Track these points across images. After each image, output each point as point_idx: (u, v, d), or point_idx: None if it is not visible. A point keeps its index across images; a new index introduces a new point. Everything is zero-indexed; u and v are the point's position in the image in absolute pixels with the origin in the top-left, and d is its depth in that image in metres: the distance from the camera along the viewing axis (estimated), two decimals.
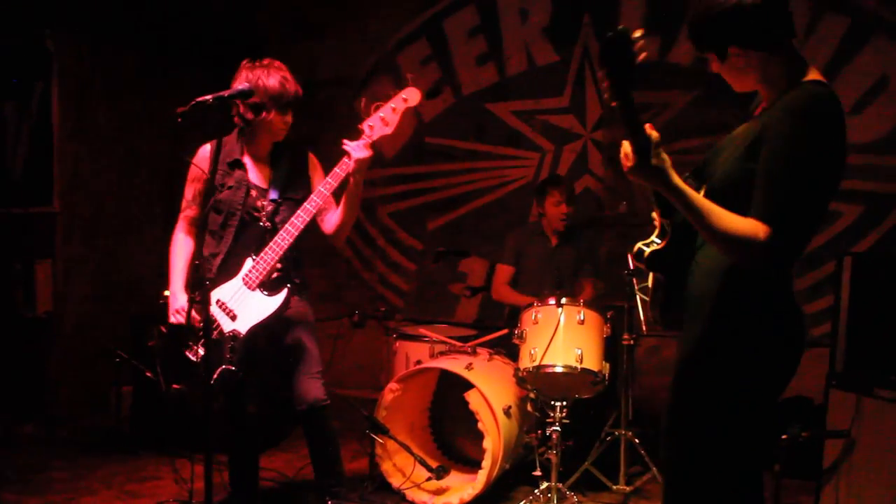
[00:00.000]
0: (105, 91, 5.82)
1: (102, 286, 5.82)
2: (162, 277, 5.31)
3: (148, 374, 4.70)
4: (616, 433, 4.09)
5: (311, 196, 3.25)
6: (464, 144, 6.06)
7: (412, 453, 3.83)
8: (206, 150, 3.38)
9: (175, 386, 4.10)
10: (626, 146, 1.92)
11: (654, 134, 1.88)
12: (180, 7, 6.05)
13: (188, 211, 3.44)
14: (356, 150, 3.23)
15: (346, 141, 3.26)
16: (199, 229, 3.14)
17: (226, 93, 2.81)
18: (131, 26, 5.86)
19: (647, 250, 2.16)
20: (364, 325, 4.46)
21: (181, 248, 3.43)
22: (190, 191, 3.43)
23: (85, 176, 5.74)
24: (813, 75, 1.99)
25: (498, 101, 5.93)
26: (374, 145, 3.27)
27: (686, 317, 2.13)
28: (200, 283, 2.82)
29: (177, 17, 6.05)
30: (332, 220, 3.44)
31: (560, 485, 3.72)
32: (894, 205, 4.75)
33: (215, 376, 3.04)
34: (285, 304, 3.26)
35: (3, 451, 4.79)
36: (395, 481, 3.96)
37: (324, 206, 3.34)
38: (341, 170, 3.24)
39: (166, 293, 5.18)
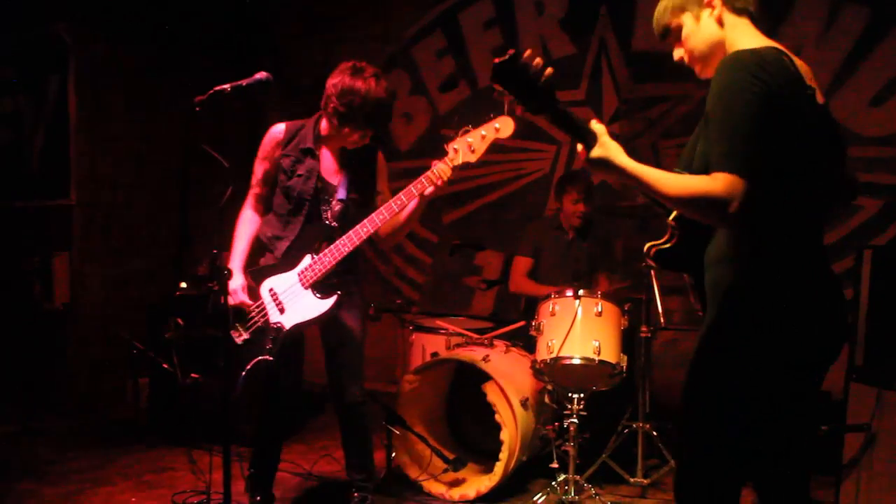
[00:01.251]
0: (120, 83, 5.84)
1: (119, 278, 5.85)
2: (178, 270, 5.34)
3: (165, 366, 4.73)
4: (633, 426, 4.07)
5: (381, 209, 3.14)
6: None
7: (429, 445, 3.83)
8: (279, 129, 3.35)
9: (193, 375, 4.12)
10: (578, 145, 2.01)
11: (598, 127, 1.97)
12: (196, 1, 6.06)
13: (256, 189, 3.42)
14: (438, 172, 3.10)
15: (434, 163, 3.12)
16: (218, 221, 3.08)
17: (244, 81, 2.81)
18: (146, 19, 5.87)
19: (654, 248, 2.18)
20: (380, 318, 4.46)
21: (246, 225, 3.39)
22: (260, 169, 3.39)
23: (101, 168, 5.76)
24: (770, 43, 2.00)
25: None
26: (455, 170, 3.13)
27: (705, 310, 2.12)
28: (219, 273, 2.81)
29: (192, 10, 6.06)
30: (388, 225, 3.30)
31: (577, 477, 3.71)
32: None
33: (249, 366, 3.05)
34: (332, 310, 3.22)
35: (22, 443, 4.82)
36: (413, 473, 3.96)
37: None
38: (416, 189, 3.11)
39: (183, 284, 5.24)
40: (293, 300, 3.20)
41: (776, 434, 2.06)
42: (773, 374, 1.96)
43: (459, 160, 3.09)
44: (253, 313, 3.21)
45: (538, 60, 1.90)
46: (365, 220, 3.15)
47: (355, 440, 3.54)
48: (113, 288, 5.80)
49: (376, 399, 3.87)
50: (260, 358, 3.08)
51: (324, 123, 3.33)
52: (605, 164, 1.96)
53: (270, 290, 3.22)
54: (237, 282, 3.22)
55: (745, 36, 2.05)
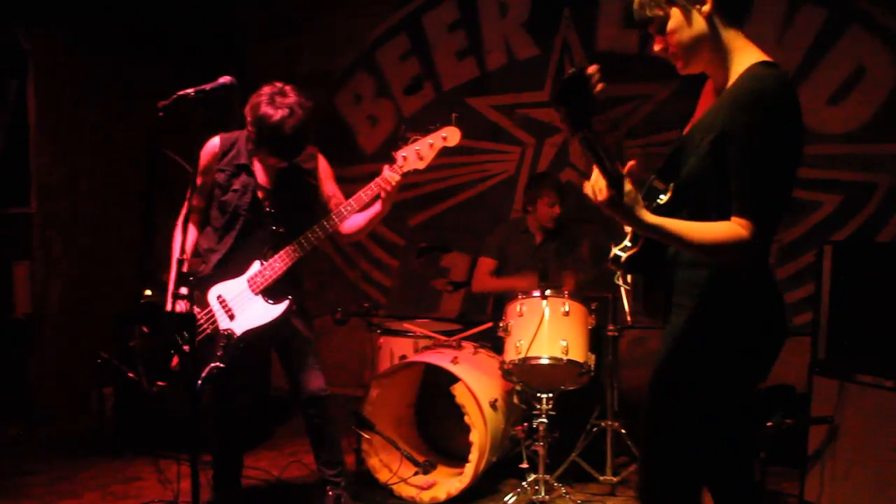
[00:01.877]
0: (81, 89, 5.76)
1: (82, 286, 5.76)
2: (142, 276, 5.29)
3: (130, 375, 4.66)
4: (602, 424, 4.10)
5: (331, 215, 3.22)
6: None
7: (399, 448, 3.82)
8: (214, 143, 3.35)
9: (158, 383, 4.07)
10: (595, 180, 1.89)
11: (634, 168, 1.89)
12: (156, 4, 6.00)
13: (193, 201, 3.34)
14: (385, 179, 3.19)
15: (383, 168, 3.20)
16: (184, 224, 3.15)
17: (208, 86, 2.78)
18: (107, 23, 5.80)
19: (624, 255, 2.14)
20: (347, 322, 4.43)
21: (184, 235, 3.29)
22: (198, 180, 3.35)
23: (62, 175, 5.67)
24: (760, 56, 1.98)
25: (478, 96, 5.93)
26: (403, 177, 3.22)
27: (671, 309, 2.14)
28: (185, 279, 2.79)
29: (153, 14, 5.99)
30: (350, 225, 3.39)
31: (547, 476, 3.72)
32: (873, 194, 4.80)
33: (204, 374, 3.02)
34: (284, 315, 3.23)
35: None
36: (383, 476, 3.95)
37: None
38: (366, 196, 3.20)
39: (147, 292, 5.17)
40: (243, 306, 3.20)
41: (738, 428, 2.11)
42: (745, 368, 2.02)
43: (407, 168, 3.19)
44: (202, 321, 3.19)
45: (597, 77, 1.83)
46: (315, 227, 3.19)
47: (323, 435, 3.53)
48: (75, 296, 5.71)
49: (344, 404, 3.86)
50: (212, 365, 3.06)
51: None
52: (629, 214, 1.88)
53: (219, 296, 3.22)
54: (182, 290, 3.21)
55: (738, 40, 2.02)
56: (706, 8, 1.99)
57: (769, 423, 3.49)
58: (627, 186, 1.85)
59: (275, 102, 3.14)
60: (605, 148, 1.81)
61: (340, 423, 3.59)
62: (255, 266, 3.22)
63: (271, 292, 3.22)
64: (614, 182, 1.82)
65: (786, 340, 2.03)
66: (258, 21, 6.61)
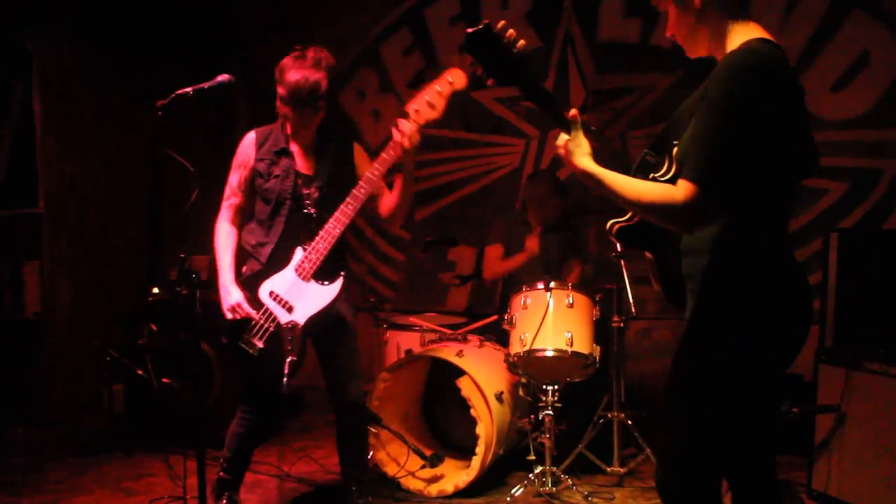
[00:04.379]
0: (86, 90, 5.79)
1: (91, 285, 5.80)
2: (149, 274, 5.31)
3: (139, 372, 4.70)
4: (609, 416, 4.10)
5: (360, 183, 3.17)
6: (449, 133, 6.05)
7: (406, 442, 3.84)
8: (252, 136, 3.35)
9: (165, 380, 4.09)
10: (559, 139, 2.00)
11: (576, 118, 1.97)
12: (161, 5, 6.02)
13: (233, 199, 3.36)
14: (403, 133, 3.11)
15: (398, 121, 3.13)
16: (184, 225, 3.10)
17: (206, 84, 2.79)
18: (111, 24, 5.82)
19: (616, 225, 2.17)
20: (355, 316, 4.44)
21: (227, 238, 3.33)
22: (235, 177, 3.35)
23: (69, 175, 5.71)
24: (760, 34, 1.96)
25: (482, 89, 5.92)
26: (421, 129, 3.13)
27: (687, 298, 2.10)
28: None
29: (157, 14, 6.01)
30: (387, 204, 3.37)
31: (554, 468, 3.73)
32: (879, 180, 4.78)
33: (287, 370, 3.03)
34: (342, 291, 3.22)
35: None
36: (390, 470, 3.97)
37: (375, 192, 3.29)
38: (388, 155, 3.14)
39: (155, 290, 5.21)
40: (299, 296, 3.16)
41: (757, 419, 2.08)
42: (759, 358, 1.97)
43: (423, 119, 3.11)
44: (261, 321, 3.14)
45: (511, 31, 1.90)
46: (348, 198, 3.15)
47: (357, 440, 3.52)
48: (85, 296, 5.75)
49: None
50: (289, 360, 3.05)
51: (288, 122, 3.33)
52: (570, 157, 1.99)
53: (271, 293, 3.17)
54: (236, 296, 3.17)
55: (744, 30, 2.00)
56: (697, 2, 2.01)
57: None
58: (574, 132, 1.96)
59: (294, 57, 3.18)
60: (538, 86, 1.94)
61: (368, 421, 3.61)
62: (298, 253, 3.19)
63: (322, 274, 3.19)
64: (558, 119, 1.94)
65: (809, 326, 1.99)
66: (262, 19, 6.62)
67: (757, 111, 1.83)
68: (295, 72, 3.13)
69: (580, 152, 1.98)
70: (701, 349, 2.01)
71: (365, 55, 6.32)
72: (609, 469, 4.07)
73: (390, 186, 3.37)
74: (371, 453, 3.96)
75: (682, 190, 1.84)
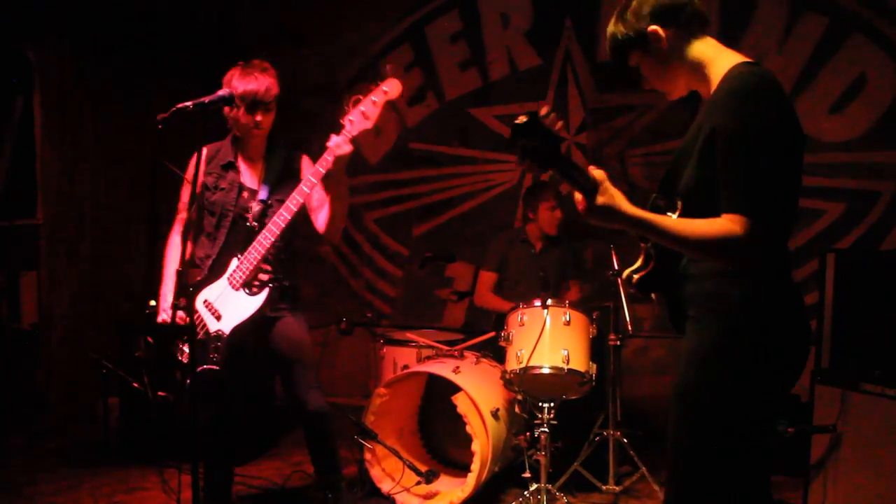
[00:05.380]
0: (87, 102, 5.81)
1: (88, 297, 5.80)
2: (148, 287, 5.30)
3: (135, 385, 4.69)
4: (605, 434, 4.10)
5: (292, 195, 3.22)
6: (448, 150, 6.08)
7: (401, 458, 3.82)
8: (202, 153, 3.38)
9: (160, 393, 4.07)
10: (577, 194, 1.93)
11: (598, 174, 1.88)
12: (162, 17, 6.05)
13: (182, 213, 3.44)
14: (336, 145, 3.18)
15: (331, 136, 3.21)
16: (184, 234, 3.24)
17: (206, 98, 2.81)
18: (112, 36, 5.85)
19: (636, 277, 2.16)
20: (352, 332, 4.45)
21: (174, 250, 3.43)
22: (185, 193, 3.43)
23: (68, 187, 5.72)
24: (737, 57, 1.99)
25: (481, 106, 5.96)
26: (354, 140, 3.21)
27: (686, 323, 2.09)
28: (185, 290, 2.81)
29: (158, 27, 6.04)
30: (321, 219, 3.41)
31: (550, 486, 3.72)
32: (875, 202, 4.79)
33: (194, 375, 3.01)
34: (267, 303, 3.25)
35: None
36: (385, 486, 3.96)
37: (314, 205, 3.37)
38: (322, 167, 3.20)
39: (152, 303, 5.19)
40: (227, 304, 3.22)
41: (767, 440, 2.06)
42: (776, 380, 1.97)
43: (356, 130, 3.21)
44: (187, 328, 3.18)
45: (553, 116, 1.84)
46: (280, 209, 3.21)
47: (326, 448, 3.53)
48: (81, 307, 5.75)
49: (348, 414, 3.87)
50: (204, 367, 3.08)
51: (237, 135, 3.41)
52: (611, 212, 1.88)
53: (205, 301, 3.24)
54: (169, 301, 3.25)
55: (710, 51, 2.04)
56: (664, 42, 2.05)
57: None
58: (602, 187, 1.87)
59: (237, 67, 3.31)
60: (575, 165, 1.86)
61: (344, 432, 3.60)
62: (233, 263, 3.25)
63: (251, 285, 3.23)
64: (588, 192, 1.86)
65: (804, 352, 1.99)
66: (263, 33, 6.67)
67: (774, 132, 1.84)
68: (247, 77, 3.25)
69: (622, 200, 1.89)
70: (716, 373, 1.97)
71: (366, 69, 6.35)
72: (604, 487, 4.06)
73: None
74: (366, 469, 3.96)
75: (737, 223, 1.81)
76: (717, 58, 2.02)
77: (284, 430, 5.31)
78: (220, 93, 2.90)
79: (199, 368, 3.06)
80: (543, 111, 1.82)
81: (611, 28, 2.15)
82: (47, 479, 4.45)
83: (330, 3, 6.49)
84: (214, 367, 3.10)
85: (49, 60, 5.61)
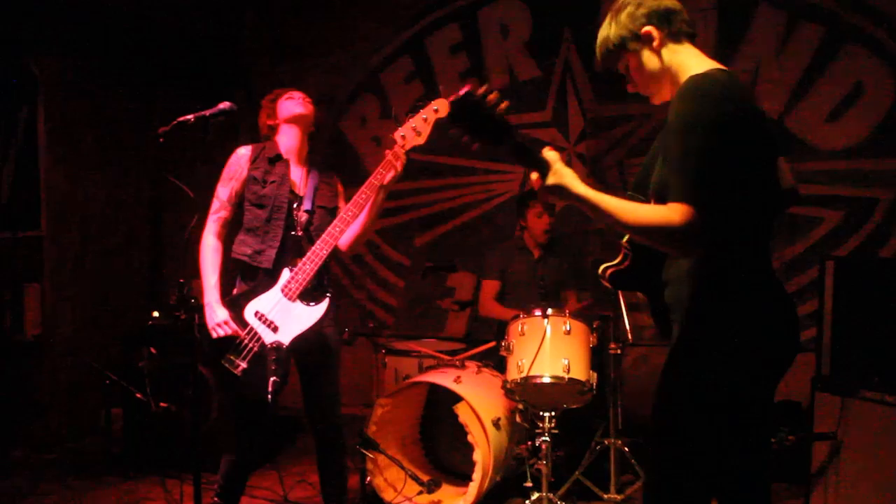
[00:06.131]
0: (90, 115, 5.86)
1: (91, 308, 5.83)
2: (150, 299, 5.32)
3: (138, 396, 4.71)
4: (606, 442, 4.11)
5: (348, 206, 3.23)
6: (449, 160, 6.11)
7: (403, 468, 3.84)
8: (245, 148, 3.41)
9: (162, 404, 4.10)
10: (532, 173, 2.03)
11: (551, 155, 1.99)
12: (165, 31, 6.09)
13: (222, 212, 3.35)
14: (389, 161, 3.23)
15: (388, 152, 3.25)
16: (184, 250, 3.20)
17: (207, 112, 2.84)
18: (115, 49, 5.89)
19: (609, 270, 2.22)
20: (354, 342, 4.47)
21: (214, 254, 3.30)
22: (225, 191, 3.35)
23: (72, 199, 5.76)
24: (716, 66, 2.04)
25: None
26: (408, 154, 3.27)
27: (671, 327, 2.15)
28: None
29: (161, 40, 6.09)
30: (351, 231, 3.39)
31: (551, 495, 3.73)
32: (874, 209, 4.81)
33: (270, 389, 3.02)
34: (328, 312, 3.25)
35: None
36: (388, 496, 3.97)
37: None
38: (376, 180, 3.23)
39: (155, 314, 5.23)
40: (284, 316, 3.17)
41: (742, 445, 2.09)
42: (738, 384, 2.00)
43: (408, 146, 3.25)
44: (245, 340, 3.14)
45: (493, 95, 1.92)
46: (336, 220, 3.21)
47: (337, 462, 3.52)
48: (85, 318, 5.78)
49: (351, 423, 3.88)
50: (273, 380, 3.04)
51: (279, 139, 3.46)
52: (560, 191, 1.99)
53: (256, 313, 3.19)
54: (221, 315, 3.16)
55: (691, 59, 2.10)
56: (656, 43, 2.11)
57: (772, 440, 3.49)
58: (554, 168, 1.97)
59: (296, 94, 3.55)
60: (524, 147, 1.96)
61: (346, 442, 3.61)
62: (285, 274, 3.22)
63: (308, 295, 3.22)
64: (540, 172, 1.97)
65: (794, 351, 2.02)
66: (265, 47, 6.72)
67: (718, 127, 1.87)
68: (299, 101, 3.45)
69: (571, 179, 1.98)
70: (684, 373, 2.03)
71: (366, 82, 6.40)
72: (606, 496, 4.07)
73: None
74: (368, 479, 3.97)
75: (676, 211, 1.86)
76: (693, 65, 2.07)
77: (287, 441, 5.33)
78: (222, 105, 2.93)
79: (270, 382, 3.03)
80: (482, 90, 1.90)
81: (603, 31, 2.20)
82: (51, 490, 4.47)
83: (331, 15, 6.53)
84: (277, 379, 3.07)
85: (53, 74, 5.66)
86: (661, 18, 2.11)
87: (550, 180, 1.98)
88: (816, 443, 3.57)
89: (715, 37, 5.15)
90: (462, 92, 1.89)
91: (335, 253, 3.32)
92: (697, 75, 1.98)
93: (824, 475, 3.51)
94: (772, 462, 3.29)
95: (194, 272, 3.34)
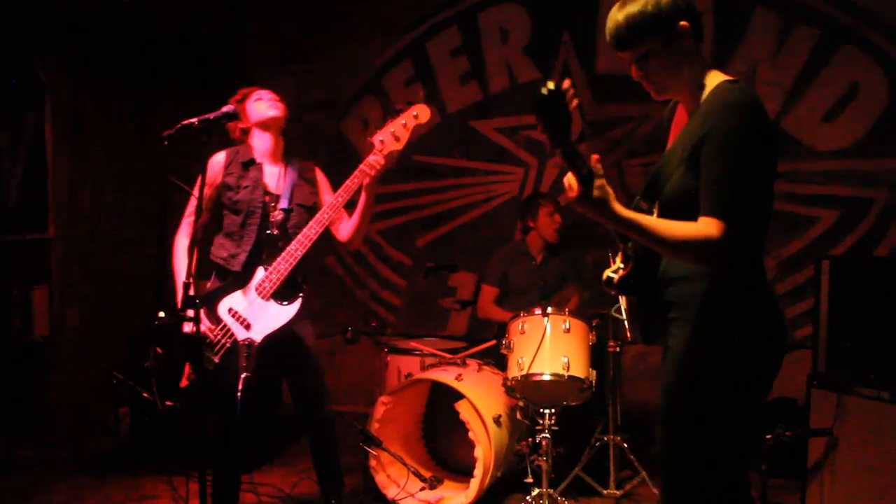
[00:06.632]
0: (97, 117, 5.90)
1: (98, 310, 5.87)
2: (157, 298, 5.34)
3: (145, 395, 4.76)
4: (605, 439, 4.16)
5: (324, 208, 3.32)
6: (450, 161, 6.17)
7: (405, 464, 3.88)
8: (219, 155, 3.49)
9: (168, 403, 4.14)
10: (569, 178, 1.96)
11: (598, 167, 1.92)
12: (170, 34, 6.15)
13: (194, 216, 3.37)
14: (368, 165, 3.31)
15: (367, 156, 3.33)
16: (191, 246, 3.20)
17: (211, 115, 2.88)
18: (121, 54, 5.94)
19: (616, 277, 2.22)
20: (357, 341, 4.49)
21: (186, 254, 3.35)
22: (194, 198, 3.42)
23: (79, 201, 5.81)
24: (722, 75, 2.08)
25: (482, 119, 6.05)
26: (386, 158, 3.34)
27: (667, 328, 2.17)
28: (192, 302, 2.86)
29: (166, 45, 6.14)
30: (346, 229, 3.54)
31: (551, 491, 3.77)
32: (869, 209, 4.85)
33: (240, 385, 3.09)
34: (301, 311, 3.32)
35: (2, 475, 4.83)
36: (390, 492, 4.02)
37: (336, 217, 3.44)
38: (352, 182, 3.31)
39: (161, 314, 5.26)
40: (257, 314, 3.25)
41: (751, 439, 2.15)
42: (761, 378, 2.05)
43: (386, 150, 3.33)
44: (218, 337, 3.23)
45: (571, 92, 1.85)
46: (311, 222, 3.29)
47: (330, 454, 3.60)
48: (92, 319, 5.83)
49: (353, 421, 3.93)
50: (244, 376, 3.11)
51: (252, 142, 3.52)
52: (602, 206, 1.93)
53: (230, 309, 3.26)
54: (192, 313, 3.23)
55: (705, 64, 2.11)
56: (686, 40, 2.07)
57: (769, 436, 3.52)
58: (598, 181, 1.91)
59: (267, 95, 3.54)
60: (580, 155, 1.89)
61: (349, 439, 3.67)
62: (259, 273, 3.30)
63: (281, 294, 3.29)
64: (584, 182, 1.90)
65: (786, 352, 2.05)
66: (268, 50, 6.79)
67: (760, 145, 1.92)
68: (270, 102, 3.47)
69: (610, 200, 1.94)
70: (701, 376, 2.04)
71: (368, 84, 6.46)
72: (605, 492, 4.12)
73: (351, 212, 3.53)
74: (371, 475, 4.02)
75: (714, 227, 1.89)
76: (709, 72, 2.10)
77: (292, 438, 5.38)
78: (225, 109, 2.97)
79: (241, 379, 3.10)
80: (565, 84, 1.83)
81: (630, 7, 2.08)
82: (58, 489, 4.52)
83: (333, 19, 6.59)
84: (248, 374, 3.13)
85: (59, 79, 5.71)
86: (694, 16, 2.09)
87: (597, 193, 1.91)
88: (812, 439, 3.61)
89: (712, 39, 5.19)
90: (546, 88, 1.79)
91: (335, 252, 3.38)
92: (734, 87, 2.00)
93: (820, 471, 3.54)
94: (769, 457, 3.36)
95: (200, 273, 3.40)
